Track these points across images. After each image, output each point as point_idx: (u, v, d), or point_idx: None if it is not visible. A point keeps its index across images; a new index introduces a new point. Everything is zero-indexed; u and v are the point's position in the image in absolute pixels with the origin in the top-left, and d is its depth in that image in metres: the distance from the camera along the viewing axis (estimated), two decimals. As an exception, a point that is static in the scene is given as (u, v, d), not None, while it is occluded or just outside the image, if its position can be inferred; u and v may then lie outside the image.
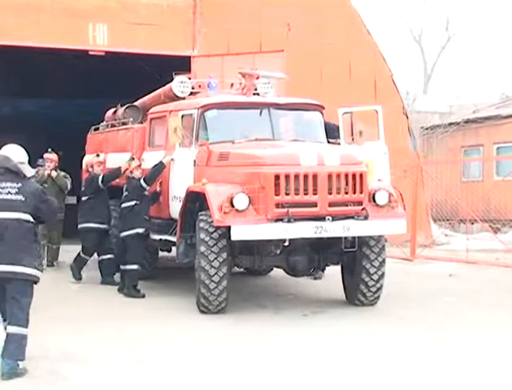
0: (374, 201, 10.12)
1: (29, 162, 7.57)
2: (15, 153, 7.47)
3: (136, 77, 18.98)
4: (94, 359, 7.74)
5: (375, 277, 10.30)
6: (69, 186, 14.58)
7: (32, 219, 7.25)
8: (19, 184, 7.25)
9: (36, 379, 7.11)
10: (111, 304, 10.90)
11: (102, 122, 14.89)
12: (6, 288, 7.15)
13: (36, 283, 7.27)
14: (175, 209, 11.02)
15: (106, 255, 12.60)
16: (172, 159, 11.22)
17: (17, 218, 7.16)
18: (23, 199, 7.20)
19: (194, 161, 10.71)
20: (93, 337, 8.67)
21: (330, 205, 9.71)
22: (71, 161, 16.05)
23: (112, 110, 14.55)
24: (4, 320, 7.23)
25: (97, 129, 15.04)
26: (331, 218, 9.65)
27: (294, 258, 10.21)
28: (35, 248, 7.36)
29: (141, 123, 13.01)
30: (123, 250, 11.73)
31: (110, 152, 13.53)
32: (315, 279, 12.45)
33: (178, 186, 11.01)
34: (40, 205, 7.31)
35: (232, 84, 12.65)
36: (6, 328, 7.16)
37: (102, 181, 12.46)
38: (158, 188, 11.62)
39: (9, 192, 7.21)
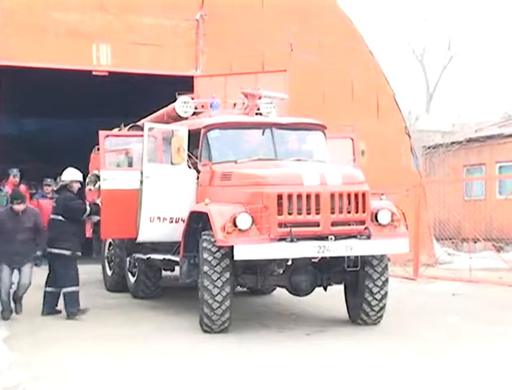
0: (376, 220, 10.13)
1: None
2: (63, 174, 11.70)
3: (140, 97, 19.10)
4: (98, 379, 7.74)
5: (378, 296, 10.31)
6: None
7: (62, 218, 11.20)
8: (56, 195, 11.77)
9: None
10: (114, 324, 10.89)
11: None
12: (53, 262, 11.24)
13: (76, 259, 11.23)
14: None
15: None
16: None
17: (53, 218, 11.34)
18: (56, 205, 11.46)
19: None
20: (95, 357, 8.66)
21: (333, 224, 9.73)
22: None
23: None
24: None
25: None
26: (333, 237, 9.66)
27: (297, 278, 10.23)
28: (68, 236, 11.10)
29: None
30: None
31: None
32: None
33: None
34: (65, 209, 11.24)
35: (234, 104, 12.70)
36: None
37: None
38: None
39: (53, 201, 11.85)
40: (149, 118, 13.60)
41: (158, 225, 10.89)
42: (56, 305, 11.52)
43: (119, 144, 12.70)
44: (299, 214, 9.63)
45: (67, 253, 11.19)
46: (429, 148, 26.44)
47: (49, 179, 16.31)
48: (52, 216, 11.47)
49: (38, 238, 11.01)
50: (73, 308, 11.13)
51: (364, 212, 9.89)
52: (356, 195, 9.84)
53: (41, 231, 11.09)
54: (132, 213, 11.07)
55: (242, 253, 9.45)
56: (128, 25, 17.44)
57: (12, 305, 11.04)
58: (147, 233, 11.02)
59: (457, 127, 32.00)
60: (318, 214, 9.67)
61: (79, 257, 11.43)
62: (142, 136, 11.00)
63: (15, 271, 10.95)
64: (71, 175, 11.64)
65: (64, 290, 11.20)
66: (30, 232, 10.93)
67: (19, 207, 10.87)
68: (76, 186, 11.64)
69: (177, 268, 11.30)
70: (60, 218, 11.29)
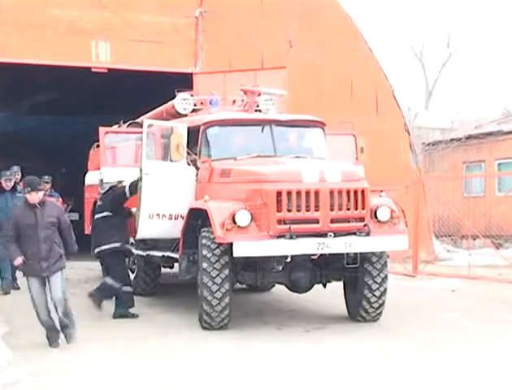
0: (376, 217, 10.13)
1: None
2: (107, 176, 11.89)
3: (139, 94, 19.09)
4: (97, 377, 7.73)
5: (378, 293, 10.31)
6: None
7: (109, 213, 11.13)
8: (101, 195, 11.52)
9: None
10: (113, 323, 10.88)
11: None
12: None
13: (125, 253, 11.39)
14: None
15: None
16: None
17: (98, 217, 11.33)
18: (101, 203, 11.40)
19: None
20: (95, 356, 8.64)
21: (332, 221, 9.73)
22: (73, 177, 16.11)
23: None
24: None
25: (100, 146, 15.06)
26: (333, 234, 9.66)
27: (296, 275, 10.23)
28: (114, 231, 11.05)
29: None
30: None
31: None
32: None
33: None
34: (111, 200, 11.21)
35: (233, 101, 12.71)
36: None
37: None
38: None
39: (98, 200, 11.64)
40: (148, 115, 13.60)
41: (158, 222, 10.88)
42: (132, 305, 11.24)
43: (119, 140, 12.72)
44: (298, 211, 9.63)
45: (117, 244, 11.11)
46: (428, 145, 26.44)
47: (46, 177, 16.26)
48: (96, 216, 11.47)
49: (65, 236, 8.97)
50: (123, 308, 11.09)
51: (363, 209, 9.89)
52: (355, 192, 9.84)
53: (67, 227, 9.01)
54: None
55: (241, 249, 9.46)
56: (127, 22, 17.43)
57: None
58: (146, 230, 11.01)
59: (457, 123, 32.05)
60: (317, 211, 9.68)
61: (124, 253, 11.40)
62: (141, 133, 11.00)
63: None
64: (117, 176, 11.63)
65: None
66: (53, 229, 8.81)
67: (33, 197, 8.72)
68: (122, 187, 11.47)
69: (176, 265, 11.31)
70: (106, 214, 11.23)
